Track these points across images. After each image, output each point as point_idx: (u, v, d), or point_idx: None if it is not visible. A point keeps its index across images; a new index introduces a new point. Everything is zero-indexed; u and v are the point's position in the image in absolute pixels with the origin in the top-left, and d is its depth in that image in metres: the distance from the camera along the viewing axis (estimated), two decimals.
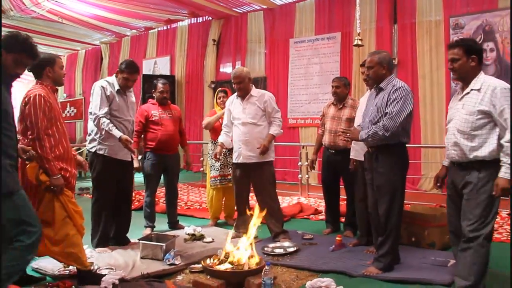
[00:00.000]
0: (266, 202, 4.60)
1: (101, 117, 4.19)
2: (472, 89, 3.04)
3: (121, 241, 4.48)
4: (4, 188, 2.60)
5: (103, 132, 4.21)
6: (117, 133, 4.17)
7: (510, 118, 2.85)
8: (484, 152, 2.96)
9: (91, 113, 4.30)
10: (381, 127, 3.45)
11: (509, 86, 2.95)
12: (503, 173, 2.86)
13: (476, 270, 2.96)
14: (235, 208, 5.11)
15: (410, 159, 7.78)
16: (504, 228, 5.16)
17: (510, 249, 3.30)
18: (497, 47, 7.46)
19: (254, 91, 4.71)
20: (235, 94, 4.79)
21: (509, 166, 2.83)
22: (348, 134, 3.69)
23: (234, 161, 4.77)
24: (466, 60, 3.05)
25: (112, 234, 4.47)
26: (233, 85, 4.69)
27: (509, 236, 4.83)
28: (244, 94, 4.67)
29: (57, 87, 3.43)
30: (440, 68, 7.97)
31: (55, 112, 3.28)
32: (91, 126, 4.37)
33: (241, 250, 3.52)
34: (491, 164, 2.95)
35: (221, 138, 4.90)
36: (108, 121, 4.20)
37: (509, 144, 2.84)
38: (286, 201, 7.02)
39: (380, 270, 3.54)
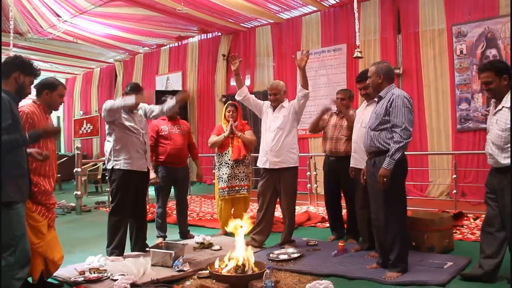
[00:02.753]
0: (284, 209, 4.90)
1: (114, 102, 4.47)
2: (503, 106, 3.33)
3: (141, 248, 4.74)
4: (4, 197, 2.75)
5: (119, 103, 4.43)
6: (132, 98, 4.43)
7: None
8: None
9: (108, 133, 4.59)
10: (400, 139, 3.59)
11: None
12: None
13: None
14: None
15: (417, 166, 8.03)
16: None
17: (509, 247, 3.42)
18: (500, 54, 7.57)
19: (286, 103, 4.98)
20: (270, 103, 5.02)
21: None
22: (385, 180, 3.62)
23: (261, 166, 4.96)
24: (499, 81, 3.33)
25: (132, 243, 4.76)
26: (269, 96, 4.96)
27: None
28: (277, 104, 4.93)
29: (52, 110, 3.63)
30: (444, 75, 8.10)
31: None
32: (107, 146, 4.63)
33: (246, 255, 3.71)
34: None
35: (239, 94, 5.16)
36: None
37: None
38: (295, 210, 7.17)
39: (399, 273, 3.66)
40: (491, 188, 3.50)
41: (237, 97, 5.15)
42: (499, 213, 3.42)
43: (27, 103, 3.50)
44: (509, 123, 3.23)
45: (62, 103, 3.75)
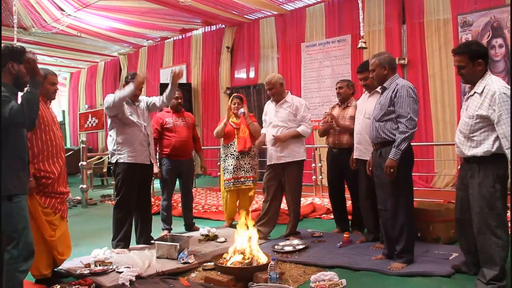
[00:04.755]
0: (289, 202, 4.91)
1: (114, 96, 4.41)
2: (475, 92, 3.14)
3: (146, 241, 4.76)
4: (4, 191, 2.75)
5: (119, 95, 4.38)
6: (129, 86, 4.41)
7: (507, 124, 2.93)
8: (480, 151, 3.10)
9: (110, 128, 4.60)
10: (405, 130, 3.58)
11: (509, 90, 3.02)
12: None
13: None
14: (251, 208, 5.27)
15: (423, 157, 8.00)
16: None
17: (510, 246, 3.39)
18: (506, 43, 7.51)
19: (289, 97, 4.94)
20: (271, 99, 5.02)
21: None
22: (392, 170, 3.61)
23: (267, 163, 4.97)
24: (472, 65, 3.14)
25: (137, 235, 4.78)
26: (267, 91, 4.94)
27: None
28: (278, 98, 4.91)
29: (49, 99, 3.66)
30: (449, 66, 8.03)
31: (45, 118, 3.50)
32: (109, 141, 4.65)
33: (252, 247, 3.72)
34: (491, 159, 3.08)
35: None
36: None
37: (508, 151, 2.97)
38: (300, 202, 7.17)
39: (404, 264, 3.66)
40: (459, 180, 3.41)
41: None
42: (463, 207, 3.32)
43: None
44: (478, 111, 3.07)
45: (56, 91, 3.74)
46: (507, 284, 3.10)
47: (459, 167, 3.48)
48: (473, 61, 3.13)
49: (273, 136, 4.78)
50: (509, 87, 3.06)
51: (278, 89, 4.88)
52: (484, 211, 3.09)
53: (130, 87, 4.39)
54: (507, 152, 2.97)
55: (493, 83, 3.06)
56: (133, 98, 4.62)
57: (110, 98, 4.43)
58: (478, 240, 3.16)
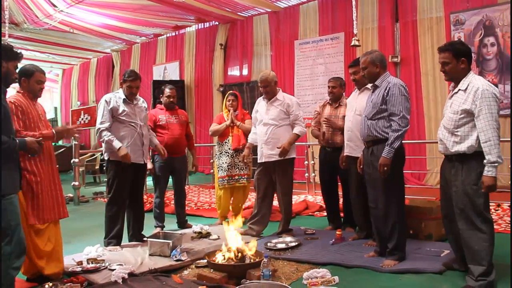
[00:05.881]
0: (280, 200, 4.90)
1: (102, 130, 4.47)
2: (459, 89, 3.21)
3: (138, 239, 4.77)
4: None
5: (104, 144, 4.50)
6: (117, 144, 4.43)
7: (486, 119, 3.01)
8: (464, 147, 3.14)
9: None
10: (398, 128, 3.60)
11: (492, 87, 3.10)
12: (486, 171, 3.03)
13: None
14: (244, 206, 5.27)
15: (415, 155, 8.04)
16: (503, 220, 5.28)
17: (510, 239, 3.41)
18: (498, 42, 7.56)
19: (280, 94, 4.93)
20: (263, 96, 5.01)
21: (490, 165, 3.00)
22: (385, 168, 3.64)
23: (258, 161, 4.96)
24: (456, 63, 3.21)
25: (130, 233, 4.78)
26: (260, 88, 4.93)
27: (508, 227, 4.96)
28: (270, 96, 4.89)
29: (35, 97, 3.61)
30: None
31: (30, 115, 3.46)
32: None
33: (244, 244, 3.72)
34: (473, 156, 3.13)
35: (250, 138, 5.17)
36: (109, 133, 4.46)
37: (486, 144, 3.02)
38: (293, 199, 7.18)
39: (396, 261, 3.68)
40: (443, 178, 3.44)
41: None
42: (448, 205, 3.35)
43: (12, 94, 3.47)
44: (462, 106, 3.12)
45: (43, 89, 3.67)
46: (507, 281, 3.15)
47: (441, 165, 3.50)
48: (457, 58, 3.21)
49: (280, 150, 4.70)
50: (492, 85, 3.17)
51: (272, 87, 4.87)
52: (468, 208, 3.15)
53: (116, 146, 4.43)
54: (484, 145, 3.02)
55: (476, 80, 3.16)
56: (131, 97, 4.62)
57: (98, 122, 4.50)
58: (464, 237, 3.20)
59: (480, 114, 3.04)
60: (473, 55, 7.51)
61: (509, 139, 6.55)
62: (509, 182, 6.23)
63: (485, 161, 3.03)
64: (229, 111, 5.65)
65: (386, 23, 8.74)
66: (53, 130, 3.57)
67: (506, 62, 7.45)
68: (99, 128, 4.49)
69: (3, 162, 2.78)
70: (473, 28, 7.77)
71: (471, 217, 3.14)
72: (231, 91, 5.85)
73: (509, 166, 6.22)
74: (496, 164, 3.01)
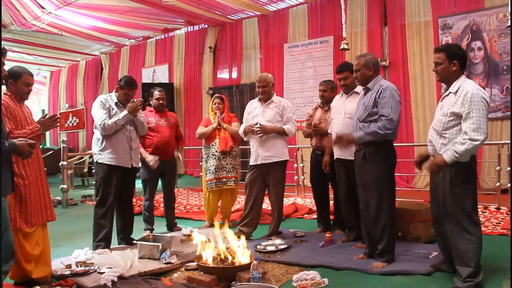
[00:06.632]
0: (273, 202, 4.92)
1: (104, 121, 4.43)
2: (450, 92, 3.26)
3: (127, 242, 4.75)
4: None
5: (113, 128, 4.45)
6: (123, 113, 4.48)
7: (474, 121, 3.05)
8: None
9: (95, 126, 4.56)
10: (382, 127, 3.64)
11: (482, 92, 3.14)
12: (445, 153, 3.14)
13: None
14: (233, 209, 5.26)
15: (404, 158, 8.11)
16: (490, 222, 5.34)
17: (510, 243, 3.44)
18: (485, 46, 7.64)
19: (275, 97, 4.97)
20: (256, 98, 5.03)
21: (455, 153, 3.09)
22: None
23: (251, 163, 4.95)
24: (448, 64, 3.25)
25: (119, 236, 4.78)
26: (257, 89, 4.93)
27: (494, 229, 5.01)
28: (266, 98, 4.91)
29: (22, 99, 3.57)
30: (430, 67, 8.01)
31: (18, 118, 3.42)
32: (94, 139, 4.64)
33: (234, 248, 3.72)
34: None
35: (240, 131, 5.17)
36: (110, 119, 4.46)
37: (465, 141, 3.06)
38: (283, 202, 7.20)
39: (385, 263, 3.71)
40: (432, 180, 3.48)
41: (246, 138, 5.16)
42: (437, 207, 3.38)
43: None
44: (451, 108, 3.16)
45: (30, 91, 3.62)
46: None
47: None
48: (449, 60, 3.25)
49: (260, 125, 4.74)
50: (483, 90, 3.22)
51: (270, 88, 4.91)
52: (456, 210, 3.19)
53: (123, 114, 4.48)
54: (462, 142, 3.07)
55: (467, 84, 3.19)
56: (125, 103, 4.62)
57: (107, 127, 4.44)
58: (452, 239, 3.24)
59: (467, 117, 3.08)
60: None
61: (498, 142, 6.65)
62: (496, 185, 6.30)
63: (452, 147, 3.10)
64: (215, 114, 5.65)
65: (375, 27, 8.80)
66: (37, 124, 3.52)
67: (492, 66, 7.55)
68: (101, 123, 4.42)
69: None
70: (461, 32, 7.85)
71: (459, 219, 3.18)
72: (217, 94, 5.87)
73: (497, 168, 6.29)
74: (457, 157, 3.08)
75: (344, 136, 3.89)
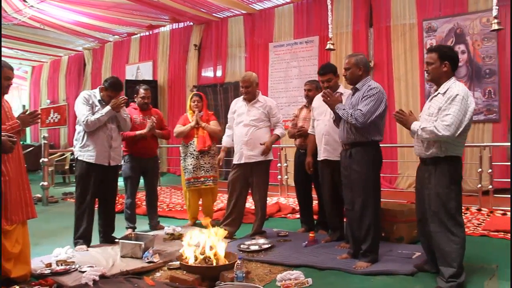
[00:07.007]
0: (257, 201, 4.91)
1: (87, 118, 4.39)
2: (439, 93, 3.28)
3: (108, 240, 4.69)
4: None
5: (96, 124, 4.42)
6: (106, 109, 4.46)
7: (450, 118, 3.08)
8: (436, 148, 3.22)
9: (78, 123, 4.54)
10: (354, 117, 3.66)
11: (468, 95, 3.17)
12: (416, 123, 3.24)
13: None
14: (216, 208, 5.24)
15: (387, 159, 8.14)
16: (472, 223, 5.39)
17: (510, 243, 3.46)
18: (468, 49, 7.73)
19: (261, 97, 4.96)
20: (241, 97, 5.00)
21: (421, 129, 3.17)
22: (329, 98, 3.85)
23: (235, 162, 4.93)
24: (439, 65, 3.28)
25: (101, 235, 4.73)
26: (241, 89, 4.90)
27: (475, 230, 5.07)
28: (250, 97, 4.89)
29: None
30: (414, 69, 8.23)
31: None
32: (76, 135, 4.60)
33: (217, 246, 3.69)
34: (446, 160, 3.21)
35: (224, 140, 5.15)
36: (93, 116, 4.42)
37: (432, 129, 3.12)
38: (267, 201, 7.19)
39: (369, 263, 3.72)
40: (418, 181, 3.51)
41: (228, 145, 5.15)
42: (422, 208, 3.41)
43: None
44: (439, 109, 3.19)
45: (10, 85, 3.52)
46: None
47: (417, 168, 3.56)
48: (441, 61, 3.27)
49: (263, 148, 4.75)
50: (470, 93, 3.24)
51: (254, 88, 4.88)
52: (440, 210, 3.22)
53: (106, 110, 4.46)
54: (430, 128, 3.13)
55: (456, 86, 3.21)
56: (107, 99, 4.57)
57: (90, 123, 4.40)
58: (435, 239, 3.26)
59: (445, 110, 3.12)
60: None
61: (480, 144, 6.73)
62: (477, 186, 6.37)
63: (424, 124, 3.17)
64: (193, 112, 5.59)
65: (360, 28, 8.85)
66: (17, 120, 3.45)
67: (475, 69, 7.64)
68: (84, 120, 4.39)
69: None
70: (445, 35, 7.93)
71: (443, 220, 3.21)
72: (195, 92, 5.82)
73: (478, 170, 6.36)
74: (417, 132, 3.19)
75: (332, 96, 3.89)
